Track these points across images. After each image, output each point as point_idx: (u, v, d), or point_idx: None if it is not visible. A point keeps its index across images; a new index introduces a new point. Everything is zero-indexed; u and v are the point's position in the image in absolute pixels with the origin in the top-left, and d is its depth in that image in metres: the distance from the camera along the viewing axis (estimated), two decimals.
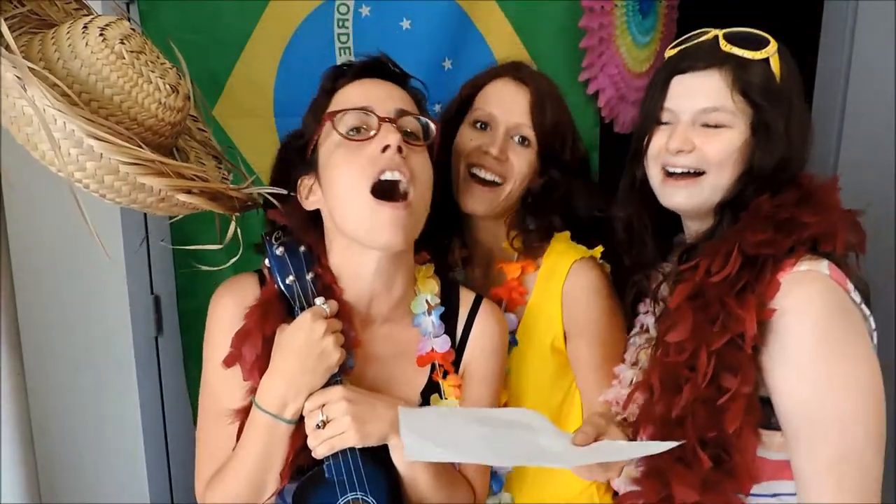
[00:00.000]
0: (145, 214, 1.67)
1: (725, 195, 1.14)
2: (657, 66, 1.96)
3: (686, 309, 1.10)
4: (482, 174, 1.37)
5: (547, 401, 1.42)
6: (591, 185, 1.49)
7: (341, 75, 1.21)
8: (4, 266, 1.35)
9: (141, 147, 0.99)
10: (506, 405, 1.37)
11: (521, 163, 1.37)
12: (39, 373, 1.69)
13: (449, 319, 1.26)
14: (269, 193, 1.19)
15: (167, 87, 1.09)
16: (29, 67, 0.92)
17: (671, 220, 1.24)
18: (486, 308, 1.29)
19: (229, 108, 1.61)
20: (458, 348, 1.26)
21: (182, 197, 1.05)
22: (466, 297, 1.29)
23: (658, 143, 1.17)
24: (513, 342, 1.40)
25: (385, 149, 1.11)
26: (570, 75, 1.79)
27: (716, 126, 1.13)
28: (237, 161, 1.42)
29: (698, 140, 1.13)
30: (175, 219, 1.39)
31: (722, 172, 1.13)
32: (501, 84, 1.40)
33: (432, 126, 1.19)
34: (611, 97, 1.84)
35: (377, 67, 1.21)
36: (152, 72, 1.08)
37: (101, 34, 1.04)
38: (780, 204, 1.10)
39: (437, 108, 1.62)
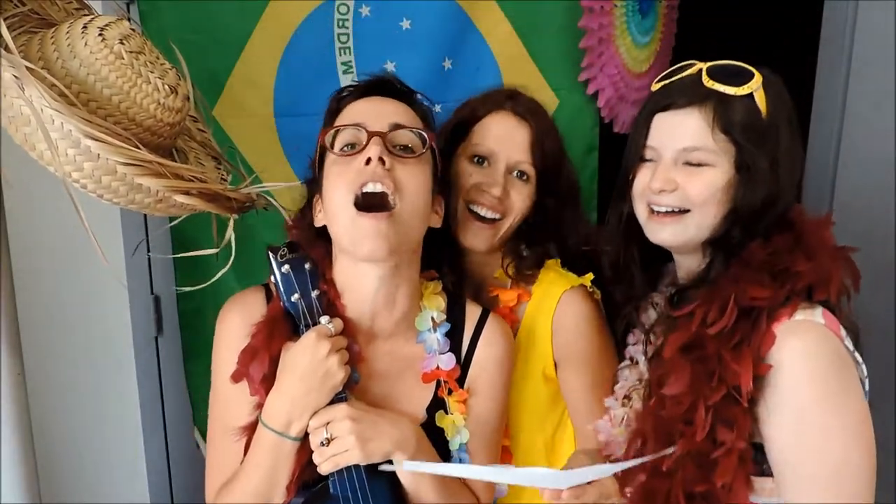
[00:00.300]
0: (145, 215, 1.68)
1: (713, 233, 1.13)
2: (656, 67, 1.97)
3: (682, 361, 1.09)
4: (482, 212, 1.36)
5: (540, 429, 1.42)
6: (581, 211, 1.48)
7: (346, 95, 1.24)
8: (4, 266, 1.35)
9: (139, 147, 0.99)
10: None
11: (520, 198, 1.37)
12: (39, 373, 1.69)
13: (455, 335, 1.26)
14: (268, 198, 1.20)
15: (166, 87, 1.09)
16: (27, 67, 0.92)
17: (659, 251, 1.24)
18: (492, 323, 1.29)
19: (229, 108, 1.61)
20: (464, 363, 1.26)
21: (180, 198, 1.05)
22: (473, 312, 1.30)
23: (642, 180, 1.17)
24: None
25: (368, 161, 1.12)
26: (570, 75, 1.79)
27: (698, 164, 1.11)
28: (237, 162, 1.42)
29: (681, 179, 1.12)
30: (175, 221, 1.39)
31: (706, 211, 1.12)
32: (501, 118, 1.38)
33: (427, 137, 1.20)
34: (610, 97, 1.84)
35: (380, 86, 1.23)
36: (151, 72, 1.08)
37: (100, 34, 1.04)
38: (774, 251, 1.09)
39: (438, 108, 1.62)
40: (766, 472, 1.08)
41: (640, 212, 1.19)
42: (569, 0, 1.72)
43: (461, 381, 1.25)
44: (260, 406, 1.15)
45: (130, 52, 1.06)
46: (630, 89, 1.88)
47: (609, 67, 1.81)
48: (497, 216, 1.36)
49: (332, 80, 1.64)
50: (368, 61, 1.64)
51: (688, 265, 1.20)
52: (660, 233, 1.16)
